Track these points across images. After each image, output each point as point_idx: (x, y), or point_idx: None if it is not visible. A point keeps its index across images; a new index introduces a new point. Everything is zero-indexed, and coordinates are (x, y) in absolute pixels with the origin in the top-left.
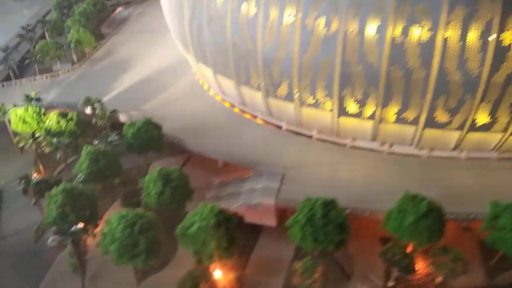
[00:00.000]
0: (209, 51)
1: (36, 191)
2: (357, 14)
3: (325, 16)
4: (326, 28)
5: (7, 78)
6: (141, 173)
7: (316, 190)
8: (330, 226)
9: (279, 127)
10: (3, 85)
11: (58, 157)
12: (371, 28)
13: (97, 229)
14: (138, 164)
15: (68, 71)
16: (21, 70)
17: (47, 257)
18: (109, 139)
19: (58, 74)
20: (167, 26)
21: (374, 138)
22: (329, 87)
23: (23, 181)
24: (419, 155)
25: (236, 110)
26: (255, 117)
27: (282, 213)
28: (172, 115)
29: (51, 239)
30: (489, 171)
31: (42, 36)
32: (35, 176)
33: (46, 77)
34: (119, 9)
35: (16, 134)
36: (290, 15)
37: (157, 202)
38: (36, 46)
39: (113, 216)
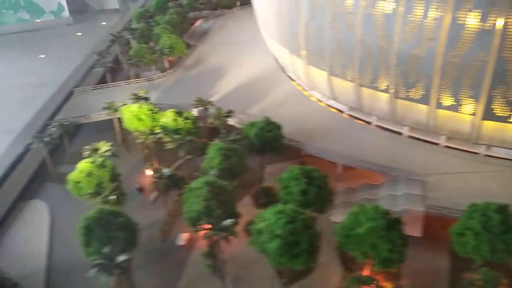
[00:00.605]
0: (329, 52)
1: (163, 187)
2: None
3: (480, 9)
4: (481, 22)
5: (101, 82)
6: (256, 176)
7: (463, 199)
8: (510, 233)
9: (398, 133)
10: (102, 87)
11: (178, 154)
12: None
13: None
14: (252, 167)
15: (163, 76)
16: (113, 74)
17: (177, 256)
18: (231, 138)
19: (153, 79)
20: (252, 37)
21: None
22: (476, 87)
23: (156, 176)
24: None
25: (344, 115)
26: (368, 122)
27: (428, 222)
28: (280, 119)
29: (204, 234)
30: None
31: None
32: (164, 171)
33: (143, 81)
34: (200, 21)
35: (123, 132)
36: (438, 8)
37: (300, 201)
38: (131, 51)
39: (267, 211)
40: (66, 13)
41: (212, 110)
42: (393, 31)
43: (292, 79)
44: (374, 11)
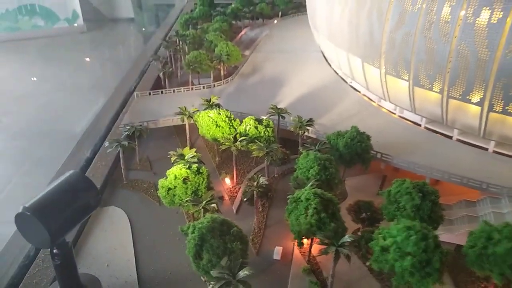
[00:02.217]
0: (416, 62)
1: (258, 195)
2: None
3: None
4: None
5: (155, 87)
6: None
7: None
8: None
9: (481, 148)
10: (162, 92)
11: (267, 162)
12: None
13: None
14: None
15: (223, 83)
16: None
17: (276, 271)
18: (318, 148)
19: (213, 85)
20: (300, 47)
21: None
22: None
23: (253, 184)
24: None
25: (421, 128)
26: (448, 136)
27: None
28: None
29: (323, 249)
30: None
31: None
32: (262, 179)
33: (203, 87)
34: (245, 30)
35: (191, 139)
36: None
37: (412, 217)
38: (188, 57)
39: (393, 227)
40: (80, 21)
41: (291, 118)
42: (497, 42)
43: (356, 90)
44: (476, 20)
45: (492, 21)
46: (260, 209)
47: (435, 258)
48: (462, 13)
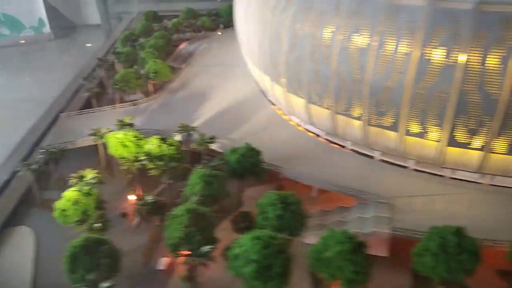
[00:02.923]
0: (307, 82)
1: (147, 212)
2: (480, 45)
3: (446, 47)
4: (445, 58)
5: (86, 106)
6: (235, 200)
7: (429, 220)
8: (464, 254)
9: (370, 157)
10: (87, 112)
11: (161, 180)
12: (494, 59)
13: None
14: (232, 191)
15: (148, 100)
16: (98, 98)
17: (157, 280)
18: (213, 164)
19: (138, 103)
20: (235, 60)
21: (479, 170)
22: (441, 117)
23: (140, 203)
24: None
25: (321, 139)
26: (343, 146)
27: (394, 243)
28: (261, 144)
29: (184, 260)
30: None
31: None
32: (147, 197)
33: (128, 105)
34: (184, 44)
35: (107, 158)
36: (407, 44)
37: (276, 226)
38: (117, 76)
39: (244, 237)
40: (47, 28)
41: (196, 136)
42: (366, 64)
43: (272, 103)
44: (349, 45)
45: (361, 46)
46: (158, 223)
47: (277, 264)
48: (339, 37)
